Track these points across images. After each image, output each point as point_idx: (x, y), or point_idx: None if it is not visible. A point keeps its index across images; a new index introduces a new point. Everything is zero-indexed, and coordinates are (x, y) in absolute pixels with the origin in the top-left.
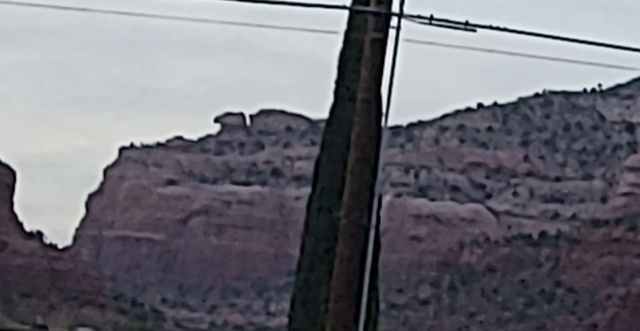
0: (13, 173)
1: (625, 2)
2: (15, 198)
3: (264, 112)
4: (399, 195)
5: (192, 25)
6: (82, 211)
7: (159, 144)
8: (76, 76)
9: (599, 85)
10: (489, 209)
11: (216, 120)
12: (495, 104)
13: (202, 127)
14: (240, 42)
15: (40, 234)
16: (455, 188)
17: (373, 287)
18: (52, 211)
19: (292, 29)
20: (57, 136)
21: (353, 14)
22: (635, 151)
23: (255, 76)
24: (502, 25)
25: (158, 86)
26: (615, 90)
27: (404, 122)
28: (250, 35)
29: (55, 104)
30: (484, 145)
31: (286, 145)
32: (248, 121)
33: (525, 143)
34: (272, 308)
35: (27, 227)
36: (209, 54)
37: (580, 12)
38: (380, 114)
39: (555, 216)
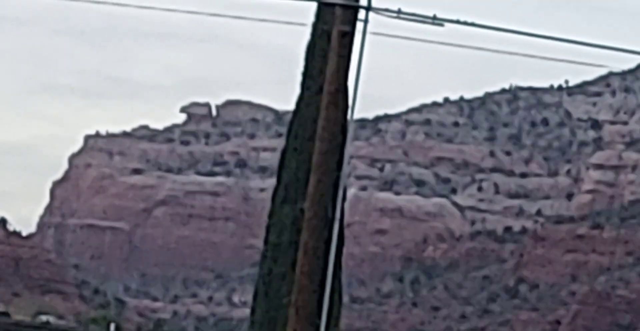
0: None
1: (594, 0)
2: None
3: (230, 103)
4: (364, 188)
5: (164, 15)
6: (46, 199)
7: (124, 133)
8: (47, 63)
9: (566, 82)
10: (454, 204)
11: (182, 110)
12: (461, 98)
13: (169, 117)
14: (210, 33)
15: (4, 221)
16: (420, 182)
17: (336, 280)
18: (17, 199)
19: (261, 20)
20: (26, 123)
21: (321, 6)
22: (600, 148)
23: (223, 67)
24: (470, 20)
25: (128, 74)
26: (581, 87)
27: (370, 115)
28: (220, 27)
29: (25, 91)
30: (449, 140)
31: (252, 136)
32: (214, 112)
33: (491, 138)
34: (235, 299)
35: None
36: (179, 44)
37: (549, 9)
38: (347, 106)
39: (520, 212)
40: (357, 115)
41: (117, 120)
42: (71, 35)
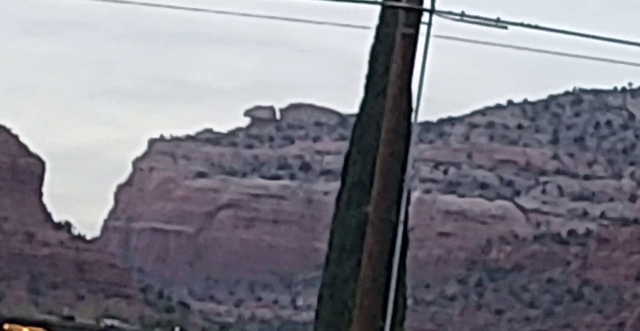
0: (42, 164)
1: None
2: (45, 189)
3: (294, 106)
4: (428, 191)
5: (227, 19)
6: (110, 203)
7: (188, 137)
8: (109, 68)
9: (630, 84)
10: (518, 206)
11: (246, 113)
12: (525, 101)
13: (233, 120)
14: (274, 37)
15: (68, 225)
16: (484, 185)
17: (400, 283)
18: (81, 202)
19: (324, 23)
20: (89, 127)
21: (385, 9)
22: None
23: (287, 71)
24: (533, 23)
25: (191, 79)
26: None
27: (434, 118)
28: (283, 31)
29: (88, 95)
30: (513, 142)
31: (316, 139)
32: (278, 115)
33: (554, 141)
34: (300, 302)
35: (56, 218)
36: (242, 48)
37: (613, 11)
38: (410, 109)
39: (584, 214)
40: (421, 118)
41: (181, 124)
42: (135, 39)
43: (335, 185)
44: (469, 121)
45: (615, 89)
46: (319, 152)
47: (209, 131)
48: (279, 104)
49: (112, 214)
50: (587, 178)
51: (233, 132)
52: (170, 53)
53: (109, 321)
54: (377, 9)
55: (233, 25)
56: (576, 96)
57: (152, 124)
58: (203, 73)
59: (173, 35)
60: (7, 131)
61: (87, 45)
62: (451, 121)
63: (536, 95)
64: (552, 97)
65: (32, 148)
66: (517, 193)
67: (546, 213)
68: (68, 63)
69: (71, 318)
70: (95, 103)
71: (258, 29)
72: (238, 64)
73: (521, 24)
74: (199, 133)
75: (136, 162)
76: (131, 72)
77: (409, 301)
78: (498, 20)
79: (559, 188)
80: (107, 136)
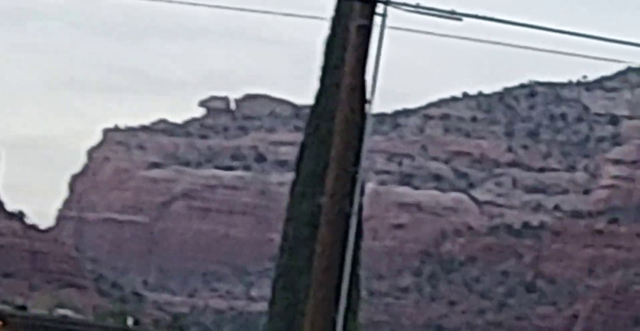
0: None
1: None
2: None
3: (249, 97)
4: (382, 183)
5: (186, 10)
6: (65, 193)
7: (143, 127)
8: (69, 58)
9: (584, 77)
10: (472, 198)
11: (201, 104)
12: (479, 93)
13: (188, 111)
14: (232, 28)
15: (22, 214)
16: (438, 177)
17: (354, 274)
18: (36, 192)
19: (280, 14)
20: (45, 117)
21: (340, 0)
22: (618, 144)
23: (244, 62)
24: (488, 15)
25: (148, 69)
26: (600, 82)
27: (388, 110)
28: (241, 22)
29: (46, 85)
30: (467, 134)
31: (270, 130)
32: (233, 106)
33: (509, 133)
34: (254, 293)
35: (9, 207)
36: (200, 39)
37: (568, 4)
38: (365, 101)
39: (538, 206)
40: (376, 110)
41: (137, 114)
42: (94, 30)
43: (290, 176)
44: (424, 113)
45: (569, 82)
46: (273, 143)
47: (164, 121)
48: (235, 95)
49: (67, 204)
50: (541, 170)
51: (188, 123)
52: (129, 44)
53: (62, 311)
54: (332, 0)
55: (191, 16)
56: (531, 89)
57: (109, 114)
58: (161, 64)
59: (132, 26)
60: None
61: (45, 35)
62: (406, 112)
63: (491, 87)
64: (506, 90)
65: None
66: (472, 185)
67: (500, 205)
68: (26, 53)
69: (24, 308)
70: (52, 93)
71: (216, 20)
72: (195, 55)
73: (476, 16)
74: (153, 123)
75: (91, 152)
76: (89, 62)
77: (363, 293)
78: (453, 12)
79: (513, 180)
80: (63, 126)
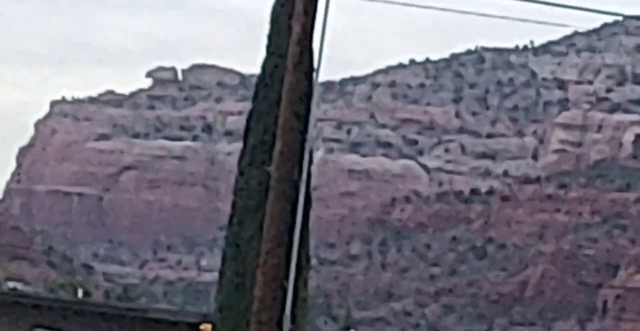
0: None
1: None
2: None
3: (196, 67)
4: (330, 151)
5: None
6: (13, 165)
7: (90, 99)
8: (13, 30)
9: (531, 42)
10: (421, 165)
11: (148, 75)
12: (427, 60)
13: (136, 82)
14: None
15: None
16: (387, 144)
17: (303, 242)
18: None
19: None
20: None
21: None
22: (566, 108)
23: (191, 32)
24: None
25: (95, 40)
26: (547, 47)
27: (336, 77)
28: None
29: None
30: (415, 101)
31: (218, 100)
32: (180, 76)
33: (457, 100)
34: (204, 263)
35: None
36: (146, 9)
37: None
38: (312, 69)
39: (487, 172)
40: (323, 78)
41: (85, 86)
42: (39, 1)
43: (238, 146)
44: (372, 81)
45: (517, 47)
46: (221, 112)
47: (111, 92)
48: (182, 65)
49: (14, 176)
50: (490, 136)
51: (135, 94)
52: (75, 15)
53: (11, 284)
54: None
55: None
56: (478, 55)
57: (56, 87)
58: (108, 35)
59: None
60: None
61: None
62: (353, 80)
63: (438, 54)
64: (454, 56)
65: None
66: (420, 152)
67: (449, 172)
68: None
69: None
70: None
71: None
72: (143, 26)
73: None
74: (101, 95)
75: (38, 125)
76: (36, 34)
77: (313, 261)
78: None
79: (462, 146)
80: (10, 99)
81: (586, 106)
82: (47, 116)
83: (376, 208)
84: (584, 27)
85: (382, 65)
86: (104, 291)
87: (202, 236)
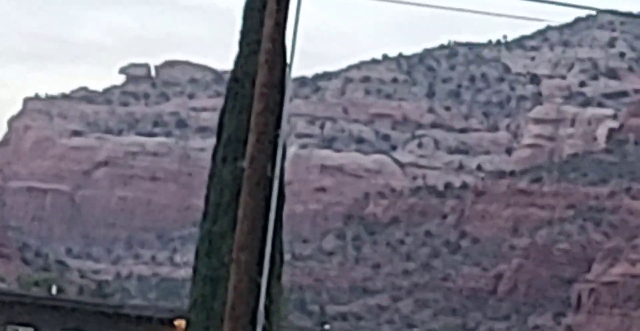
0: None
1: None
2: None
3: (168, 63)
4: (304, 146)
5: None
6: None
7: (63, 95)
8: None
9: (504, 36)
10: (394, 160)
11: (121, 71)
12: (400, 55)
13: (109, 79)
14: None
15: None
16: (360, 139)
17: (277, 238)
18: None
19: None
20: None
21: None
22: (539, 103)
23: (164, 28)
24: None
25: (70, 37)
26: (520, 42)
27: (309, 73)
28: None
29: None
30: (389, 96)
31: (191, 96)
32: (153, 72)
33: (430, 94)
34: (177, 259)
35: None
36: (120, 6)
37: None
38: (285, 64)
39: (460, 167)
40: (296, 73)
41: (57, 83)
42: None
43: (212, 142)
44: (345, 76)
45: (489, 42)
46: (194, 109)
47: (84, 89)
48: (155, 61)
49: None
50: (463, 131)
51: (108, 90)
52: (50, 11)
53: None
54: None
55: None
56: (451, 50)
57: (29, 83)
58: (82, 31)
59: None
60: None
61: None
62: (326, 75)
63: (411, 49)
64: (427, 51)
65: None
66: (394, 147)
67: (422, 167)
68: None
69: None
70: None
71: None
72: (117, 22)
73: None
74: (74, 91)
75: (11, 121)
76: (10, 30)
77: (287, 256)
78: None
79: (435, 141)
80: None
81: (559, 100)
82: (21, 113)
83: (350, 203)
84: (557, 21)
85: (355, 60)
86: (78, 288)
87: (175, 231)
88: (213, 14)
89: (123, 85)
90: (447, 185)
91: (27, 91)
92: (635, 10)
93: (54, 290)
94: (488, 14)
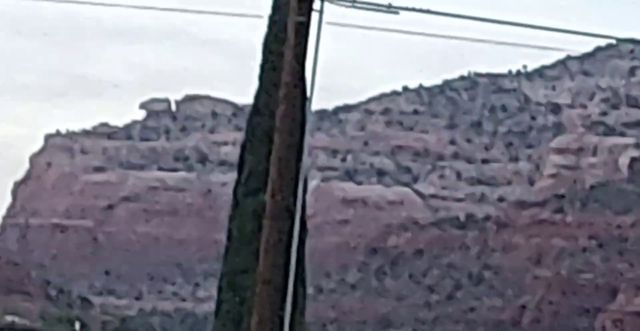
0: None
1: None
2: None
3: (189, 98)
4: (325, 179)
5: (125, 12)
6: (8, 200)
7: (84, 131)
8: (8, 63)
9: (524, 67)
10: (416, 192)
11: (141, 106)
12: (420, 87)
13: (129, 114)
14: (171, 29)
15: None
16: (381, 172)
17: (299, 271)
18: None
19: (219, 13)
20: None
21: None
22: (561, 133)
23: (184, 63)
24: (425, 8)
25: (89, 73)
26: (540, 72)
27: (329, 106)
28: (181, 22)
29: None
30: (410, 128)
31: (212, 130)
32: (174, 107)
33: (451, 126)
34: (200, 293)
35: None
36: (140, 41)
37: None
38: (305, 98)
39: (482, 198)
40: (317, 106)
41: (78, 119)
42: (32, 35)
43: (233, 176)
44: (365, 108)
45: (509, 72)
46: (215, 143)
47: (105, 124)
48: (175, 96)
49: (10, 210)
50: (484, 162)
51: (129, 126)
52: (69, 48)
53: (9, 318)
54: None
55: (132, 18)
56: (471, 80)
57: (51, 119)
58: (102, 67)
59: (72, 29)
60: None
61: None
62: (347, 108)
63: (431, 80)
64: (447, 82)
65: None
66: (415, 179)
67: (444, 198)
68: None
69: None
70: None
71: (156, 22)
72: (136, 57)
73: (413, 9)
74: (95, 127)
75: (33, 158)
76: (30, 67)
77: (309, 290)
78: (389, 5)
79: (457, 172)
80: (4, 132)
81: (581, 130)
82: (42, 150)
83: (372, 236)
84: (577, 51)
85: (375, 92)
86: (101, 324)
87: (198, 266)
88: (232, 47)
89: (144, 120)
90: (470, 216)
91: (48, 127)
92: None
93: (77, 327)
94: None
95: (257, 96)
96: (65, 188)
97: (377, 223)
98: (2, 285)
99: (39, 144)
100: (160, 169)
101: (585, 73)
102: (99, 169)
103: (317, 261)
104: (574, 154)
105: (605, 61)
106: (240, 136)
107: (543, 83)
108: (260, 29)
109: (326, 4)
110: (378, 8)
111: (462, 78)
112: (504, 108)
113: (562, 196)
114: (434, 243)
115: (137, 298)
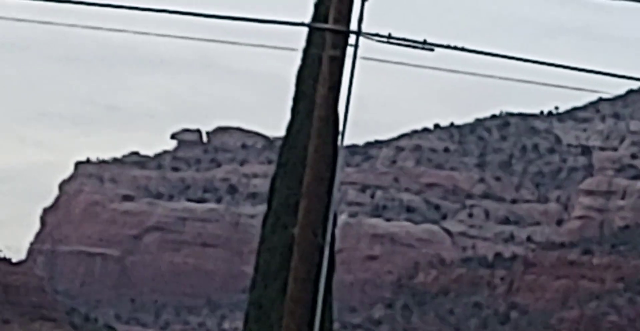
0: None
1: (592, 28)
2: None
3: (220, 129)
4: (354, 215)
5: (157, 42)
6: (37, 226)
7: (115, 160)
8: (40, 90)
9: (556, 108)
10: (444, 230)
11: (173, 136)
12: (452, 124)
13: (160, 144)
14: (203, 59)
15: None
16: (410, 209)
17: (327, 306)
18: (7, 226)
19: (252, 45)
20: (17, 150)
21: (312, 31)
22: (591, 174)
23: (215, 93)
24: (460, 45)
25: (120, 102)
26: (571, 113)
27: (360, 141)
28: (213, 53)
29: (18, 118)
30: (440, 166)
31: (242, 162)
32: (205, 138)
33: (481, 165)
34: (226, 325)
35: None
36: (172, 71)
37: (542, 35)
38: (337, 132)
39: (511, 238)
40: (348, 141)
41: (109, 147)
42: (64, 62)
43: (262, 208)
44: (396, 145)
45: (541, 112)
46: (245, 175)
47: (136, 153)
48: (206, 127)
49: (38, 237)
50: (513, 201)
51: (160, 155)
52: (101, 76)
53: None
54: (304, 30)
55: (164, 48)
56: (503, 120)
57: (81, 147)
58: (133, 96)
59: (103, 58)
60: None
61: (17, 67)
62: (378, 144)
63: (463, 118)
64: (478, 121)
65: None
66: (444, 217)
67: (473, 237)
68: None
69: None
70: (24, 126)
71: (188, 52)
72: (168, 87)
73: (448, 46)
74: (125, 156)
75: (62, 185)
76: (61, 95)
77: (336, 325)
78: (425, 42)
79: (486, 211)
80: (35, 159)
81: (611, 173)
82: (72, 177)
83: (399, 272)
84: (609, 93)
85: (406, 129)
86: None
87: (224, 298)
88: (265, 79)
89: (174, 150)
90: (497, 255)
91: (78, 155)
92: None
93: None
94: (540, 84)
95: (289, 129)
96: (93, 216)
97: (404, 260)
98: (29, 311)
99: (69, 171)
100: (189, 199)
101: (617, 116)
102: (128, 198)
103: (343, 296)
104: (602, 197)
105: (637, 104)
106: (269, 169)
107: (574, 125)
108: (293, 61)
109: (361, 38)
110: (413, 44)
111: (493, 117)
112: (534, 148)
113: (590, 238)
114: (461, 281)
115: (163, 328)
